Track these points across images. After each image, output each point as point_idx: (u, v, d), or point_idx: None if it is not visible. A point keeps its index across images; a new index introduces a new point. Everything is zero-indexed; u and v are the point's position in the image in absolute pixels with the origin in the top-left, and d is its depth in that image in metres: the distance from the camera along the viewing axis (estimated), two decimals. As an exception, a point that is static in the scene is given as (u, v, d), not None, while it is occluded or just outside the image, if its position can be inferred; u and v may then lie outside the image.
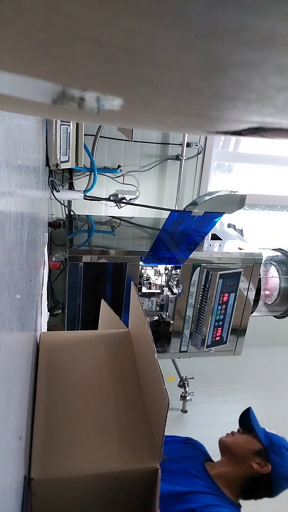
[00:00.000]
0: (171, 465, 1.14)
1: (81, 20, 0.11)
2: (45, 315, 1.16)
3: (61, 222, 1.93)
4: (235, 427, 1.25)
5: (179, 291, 1.68)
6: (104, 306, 1.02)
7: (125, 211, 2.27)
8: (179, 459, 1.19)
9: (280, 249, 1.99)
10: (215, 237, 1.87)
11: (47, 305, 1.52)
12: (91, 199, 2.07)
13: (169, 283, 1.74)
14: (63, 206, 2.10)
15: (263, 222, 2.82)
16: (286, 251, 1.96)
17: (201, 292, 1.68)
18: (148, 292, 1.73)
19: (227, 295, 1.67)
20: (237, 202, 1.93)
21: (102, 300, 1.04)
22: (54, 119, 1.48)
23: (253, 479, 1.14)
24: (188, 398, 2.24)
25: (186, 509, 1.02)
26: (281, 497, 1.18)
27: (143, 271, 1.71)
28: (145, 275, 1.73)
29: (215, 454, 1.23)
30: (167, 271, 1.73)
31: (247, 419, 1.24)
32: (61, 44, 0.13)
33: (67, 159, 1.67)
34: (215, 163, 2.51)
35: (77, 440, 0.59)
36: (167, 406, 0.53)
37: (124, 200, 2.24)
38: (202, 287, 1.67)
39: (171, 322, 1.75)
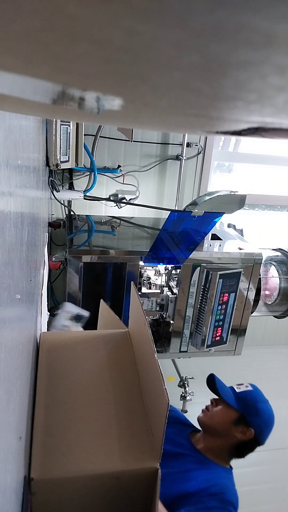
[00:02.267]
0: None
1: (81, 20, 0.11)
2: (45, 315, 1.16)
3: (61, 222, 1.93)
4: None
5: (178, 290, 1.69)
6: (103, 306, 1.02)
7: (125, 211, 2.27)
8: (165, 442, 1.20)
9: (280, 249, 1.99)
10: (215, 237, 1.87)
11: (47, 305, 1.52)
12: (91, 199, 2.07)
13: (169, 283, 1.74)
14: (63, 206, 2.10)
15: (263, 222, 2.82)
16: (286, 251, 1.96)
17: (201, 292, 1.68)
18: (148, 292, 1.73)
19: (227, 295, 1.67)
20: (237, 202, 1.92)
21: (102, 300, 1.04)
22: (54, 119, 1.48)
23: (240, 445, 1.17)
24: (188, 398, 2.24)
25: (184, 489, 1.04)
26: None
27: (143, 271, 1.71)
28: (145, 275, 1.73)
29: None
30: (167, 271, 1.73)
31: (213, 386, 1.25)
32: (61, 44, 0.13)
33: (67, 159, 1.67)
34: (215, 163, 2.51)
35: (77, 440, 0.59)
36: (167, 406, 0.53)
37: (124, 200, 2.24)
38: (202, 287, 1.67)
39: (171, 322, 1.75)
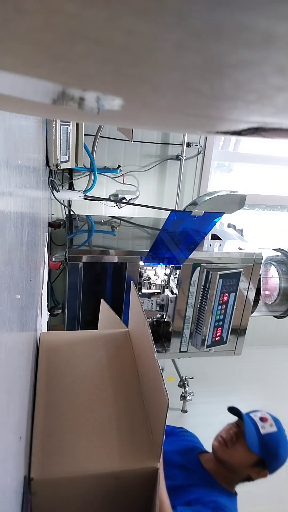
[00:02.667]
0: (168, 459, 1.15)
1: (81, 20, 0.11)
2: (45, 315, 1.16)
3: (61, 222, 1.93)
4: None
5: (178, 290, 1.68)
6: (104, 306, 1.02)
7: (125, 211, 2.27)
8: (175, 452, 1.19)
9: (280, 249, 1.99)
10: (215, 237, 1.87)
11: (47, 305, 1.52)
12: (91, 199, 2.07)
13: (169, 283, 1.74)
14: (63, 206, 2.10)
15: (263, 222, 2.82)
16: (286, 251, 1.96)
17: (201, 292, 1.68)
18: (148, 292, 1.73)
19: (227, 295, 1.67)
20: (237, 202, 1.92)
21: (102, 300, 1.04)
22: (54, 119, 1.48)
23: (250, 479, 1.17)
24: (188, 398, 2.24)
25: (184, 502, 1.03)
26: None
27: (143, 271, 1.71)
28: (145, 275, 1.73)
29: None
30: (167, 270, 1.73)
31: (239, 416, 1.22)
32: (61, 44, 0.13)
33: (67, 159, 1.67)
34: (215, 163, 2.51)
35: (77, 440, 0.58)
36: (167, 406, 0.53)
37: (124, 200, 2.24)
38: (202, 287, 1.67)
39: (171, 322, 1.75)
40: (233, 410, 1.24)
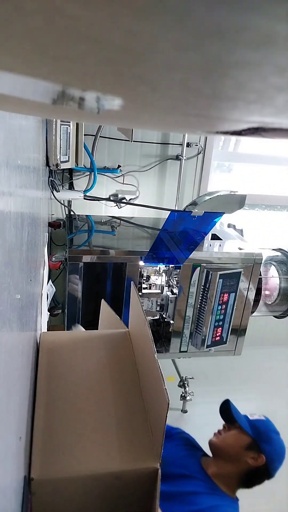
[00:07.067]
0: (168, 469, 1.15)
1: (81, 20, 0.11)
2: (45, 315, 1.16)
3: (61, 222, 1.93)
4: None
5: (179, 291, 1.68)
6: (104, 306, 1.02)
7: (125, 211, 2.27)
8: (175, 461, 1.20)
9: (280, 249, 1.99)
10: (215, 237, 1.87)
11: (47, 305, 1.52)
12: (91, 199, 2.07)
13: (169, 283, 1.74)
14: (63, 206, 2.10)
15: (263, 222, 2.82)
16: (286, 251, 1.96)
17: (201, 292, 1.68)
18: (148, 292, 1.73)
19: (227, 295, 1.67)
20: (237, 202, 1.92)
21: (103, 300, 1.04)
22: (54, 119, 1.48)
23: (250, 472, 1.17)
24: (188, 398, 2.24)
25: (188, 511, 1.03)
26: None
27: (143, 271, 1.71)
28: (145, 275, 1.73)
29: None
30: (167, 270, 1.73)
31: (228, 411, 1.25)
32: (61, 44, 0.13)
33: (67, 159, 1.67)
34: (215, 163, 2.51)
35: (77, 440, 0.58)
36: (167, 406, 0.53)
37: (124, 200, 2.24)
38: (202, 287, 1.67)
39: (171, 322, 1.75)
40: (224, 406, 1.28)
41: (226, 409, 1.26)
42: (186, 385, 2.24)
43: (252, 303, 1.78)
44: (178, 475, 1.14)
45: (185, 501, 1.07)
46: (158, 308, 1.76)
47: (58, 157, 1.57)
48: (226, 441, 1.20)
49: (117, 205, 2.22)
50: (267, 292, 1.90)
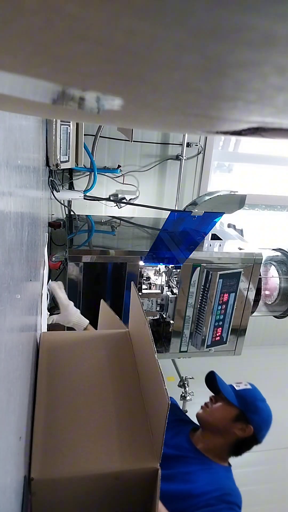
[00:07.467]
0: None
1: (81, 20, 0.11)
2: (45, 315, 1.16)
3: (61, 222, 1.93)
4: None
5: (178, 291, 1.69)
6: (103, 306, 1.02)
7: (125, 211, 2.27)
8: (166, 442, 1.21)
9: (280, 249, 1.99)
10: (215, 237, 1.87)
11: (47, 305, 1.52)
12: (91, 199, 2.07)
13: (169, 283, 1.74)
14: (63, 206, 2.10)
15: (263, 222, 2.82)
16: (286, 251, 1.96)
17: (201, 292, 1.68)
18: (148, 292, 1.73)
19: (227, 295, 1.67)
20: (237, 202, 1.92)
21: (102, 300, 1.04)
22: (54, 119, 1.48)
23: (239, 442, 1.19)
24: (188, 398, 2.24)
25: (187, 490, 1.05)
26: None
27: (143, 271, 1.71)
28: (145, 275, 1.73)
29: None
30: (167, 270, 1.73)
31: (213, 383, 1.26)
32: (61, 44, 0.13)
33: (67, 159, 1.66)
34: (215, 163, 2.51)
35: (77, 440, 0.58)
36: (167, 406, 0.53)
37: (124, 200, 2.23)
38: (202, 287, 1.67)
39: (171, 322, 1.75)
40: (209, 378, 1.30)
41: (212, 380, 1.27)
42: (186, 385, 2.24)
43: (252, 303, 1.78)
44: (171, 457, 1.16)
45: (184, 479, 1.09)
46: (158, 308, 1.76)
47: (58, 157, 1.57)
48: (213, 415, 1.22)
49: (117, 205, 2.22)
50: (267, 292, 1.90)
